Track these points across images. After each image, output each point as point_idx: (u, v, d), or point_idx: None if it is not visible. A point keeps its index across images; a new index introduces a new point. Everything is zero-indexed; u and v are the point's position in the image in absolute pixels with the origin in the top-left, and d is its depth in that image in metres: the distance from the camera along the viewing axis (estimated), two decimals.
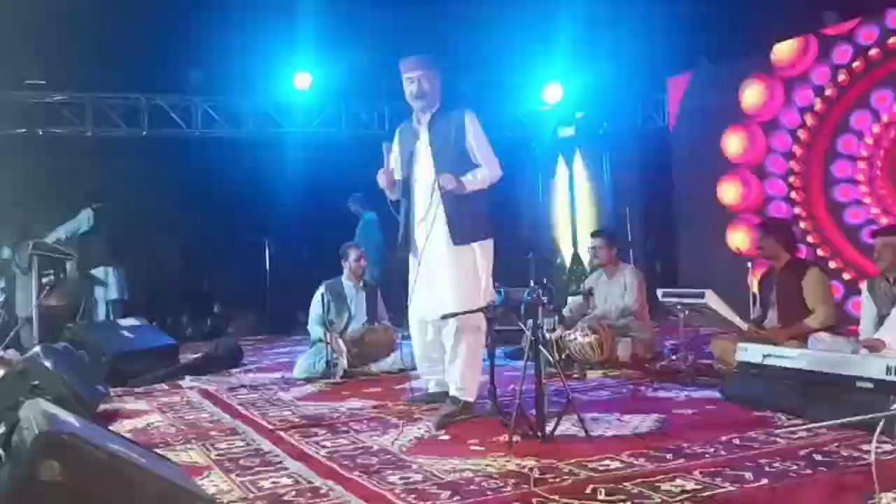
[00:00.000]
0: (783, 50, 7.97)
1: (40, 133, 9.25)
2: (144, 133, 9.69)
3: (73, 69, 8.64)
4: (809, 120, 7.79)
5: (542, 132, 11.38)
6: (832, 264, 7.43)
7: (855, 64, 7.33)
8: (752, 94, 8.31)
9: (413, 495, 2.59)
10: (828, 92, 7.60)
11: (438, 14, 8.53)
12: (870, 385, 3.17)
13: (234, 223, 10.27)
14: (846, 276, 7.40)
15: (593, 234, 6.14)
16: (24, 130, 9.16)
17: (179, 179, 9.76)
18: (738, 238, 8.30)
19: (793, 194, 8.00)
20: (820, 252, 7.65)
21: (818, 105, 7.69)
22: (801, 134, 7.89)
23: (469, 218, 3.93)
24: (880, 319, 4.15)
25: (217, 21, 7.96)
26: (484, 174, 3.95)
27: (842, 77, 7.46)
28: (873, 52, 7.19)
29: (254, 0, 7.97)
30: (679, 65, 9.31)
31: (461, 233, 3.92)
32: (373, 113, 10.47)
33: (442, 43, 6.99)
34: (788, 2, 7.96)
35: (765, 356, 3.76)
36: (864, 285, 4.42)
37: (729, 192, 8.62)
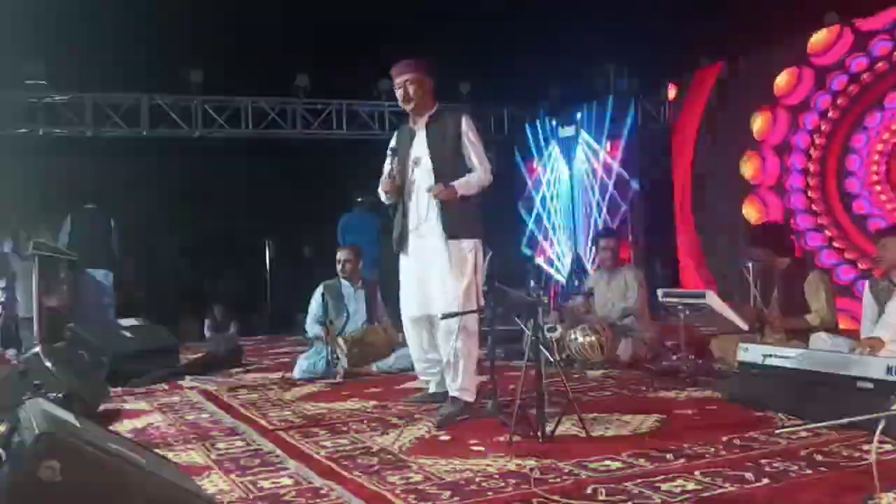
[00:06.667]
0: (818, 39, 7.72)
1: (40, 133, 9.25)
2: (144, 133, 9.69)
3: (74, 69, 8.65)
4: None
5: (541, 132, 11.39)
6: None
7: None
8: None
9: (413, 495, 2.58)
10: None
11: (438, 14, 8.53)
12: (870, 385, 3.16)
13: (234, 223, 10.29)
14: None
15: (605, 234, 6.10)
16: (24, 130, 9.17)
17: (179, 179, 9.77)
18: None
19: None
20: None
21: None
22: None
23: (460, 215, 3.95)
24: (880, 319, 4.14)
25: (217, 21, 7.97)
26: (474, 180, 3.96)
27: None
28: None
29: (253, 1, 7.99)
30: (679, 64, 9.31)
31: (453, 227, 3.94)
32: (373, 113, 10.47)
33: (442, 43, 6.99)
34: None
35: (765, 356, 3.74)
36: (865, 285, 4.42)
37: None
